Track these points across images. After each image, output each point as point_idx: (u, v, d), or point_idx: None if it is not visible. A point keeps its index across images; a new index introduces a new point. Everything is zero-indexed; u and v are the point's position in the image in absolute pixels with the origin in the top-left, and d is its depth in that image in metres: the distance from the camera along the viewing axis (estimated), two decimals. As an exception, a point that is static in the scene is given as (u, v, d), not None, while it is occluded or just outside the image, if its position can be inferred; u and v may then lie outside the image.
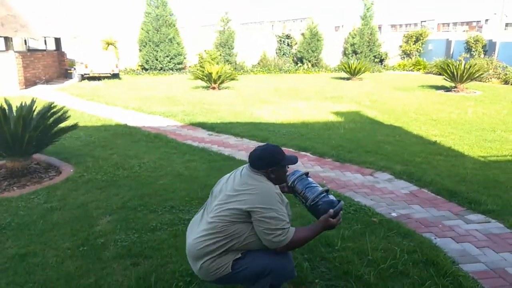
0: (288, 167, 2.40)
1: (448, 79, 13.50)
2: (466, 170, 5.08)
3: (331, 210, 2.15)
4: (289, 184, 2.47)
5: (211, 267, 2.19)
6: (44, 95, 12.22)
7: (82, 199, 4.23)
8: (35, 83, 15.22)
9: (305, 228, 2.22)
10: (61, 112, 5.18)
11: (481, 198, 4.13)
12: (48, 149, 5.71)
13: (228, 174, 2.43)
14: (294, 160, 2.37)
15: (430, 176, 4.83)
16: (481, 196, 4.22)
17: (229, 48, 20.89)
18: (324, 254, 3.10)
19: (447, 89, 13.46)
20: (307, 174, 2.47)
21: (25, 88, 14.06)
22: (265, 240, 2.12)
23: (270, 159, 2.28)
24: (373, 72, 20.68)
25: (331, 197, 2.28)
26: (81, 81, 16.31)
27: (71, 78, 17.02)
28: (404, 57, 23.30)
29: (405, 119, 8.67)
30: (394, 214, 3.88)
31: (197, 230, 2.28)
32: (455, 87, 13.22)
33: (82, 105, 10.63)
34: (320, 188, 2.32)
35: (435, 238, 3.39)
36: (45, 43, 17.14)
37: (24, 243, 3.30)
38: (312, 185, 2.35)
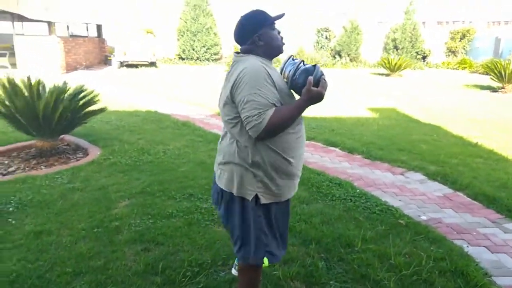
0: (279, 34, 2.02)
1: (495, 79, 12.70)
2: (507, 175, 4.69)
3: (310, 77, 1.79)
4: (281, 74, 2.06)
5: (223, 174, 2.00)
6: (83, 80, 12.54)
7: (104, 182, 4.24)
8: (75, 68, 15.70)
9: (286, 106, 1.86)
10: (91, 95, 5.23)
11: (522, 206, 3.78)
12: (78, 131, 5.81)
13: None
14: (280, 15, 1.99)
15: (467, 179, 4.49)
16: (523, 204, 3.86)
17: (266, 40, 20.68)
18: (343, 255, 2.91)
19: (494, 90, 12.67)
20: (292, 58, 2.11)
21: (66, 73, 14.53)
22: (248, 131, 1.83)
23: (251, 24, 1.94)
24: (415, 69, 19.86)
25: (307, 65, 1.91)
26: (119, 68, 16.69)
27: (110, 64, 17.45)
28: (449, 55, 22.22)
29: (444, 118, 8.20)
30: (423, 218, 3.62)
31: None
32: (503, 87, 12.42)
33: (117, 91, 10.83)
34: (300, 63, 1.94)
35: (467, 246, 3.12)
36: (87, 30, 17.65)
37: (41, 221, 3.32)
38: (299, 66, 1.93)
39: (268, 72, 1.83)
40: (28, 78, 4.80)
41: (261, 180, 1.93)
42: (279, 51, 2.01)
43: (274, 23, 2.00)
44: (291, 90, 1.99)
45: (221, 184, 2.03)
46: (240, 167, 1.93)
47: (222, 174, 2.02)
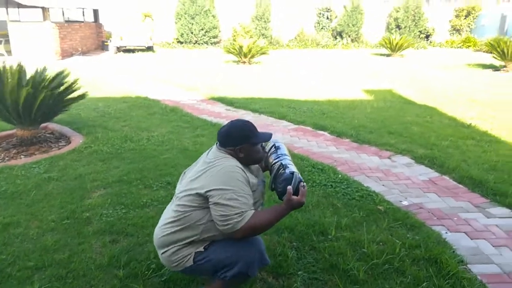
0: (262, 145, 2.14)
1: (497, 58, 12.37)
2: (498, 157, 4.54)
3: (289, 187, 1.86)
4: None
5: (172, 258, 2.01)
6: (78, 66, 12.43)
7: (81, 171, 4.16)
8: (71, 55, 15.55)
9: (267, 210, 1.94)
10: (72, 81, 5.11)
11: (509, 189, 3.64)
12: (63, 119, 5.74)
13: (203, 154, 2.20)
14: (267, 138, 2.10)
15: (455, 162, 4.35)
16: (510, 187, 3.73)
17: (265, 21, 20.31)
18: (315, 243, 2.82)
19: (496, 69, 12.35)
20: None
21: (62, 59, 14.40)
22: (219, 226, 1.87)
23: (237, 136, 2.03)
24: (417, 48, 19.44)
25: (287, 171, 1.97)
26: (116, 53, 16.51)
27: (107, 50, 17.27)
28: (453, 33, 21.69)
29: (442, 99, 7.99)
30: (404, 203, 3.51)
31: (163, 218, 2.10)
32: (505, 66, 12.08)
33: (111, 76, 10.70)
34: (285, 166, 2.03)
35: (446, 233, 3.01)
36: (83, 14, 17.41)
37: (11, 213, 3.26)
38: (279, 172, 2.02)
39: (245, 177, 1.92)
40: (4, 67, 4.69)
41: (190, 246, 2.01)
42: (257, 163, 2.14)
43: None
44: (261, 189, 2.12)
45: (166, 264, 2.09)
46: (174, 248, 1.99)
47: (163, 258, 2.06)
